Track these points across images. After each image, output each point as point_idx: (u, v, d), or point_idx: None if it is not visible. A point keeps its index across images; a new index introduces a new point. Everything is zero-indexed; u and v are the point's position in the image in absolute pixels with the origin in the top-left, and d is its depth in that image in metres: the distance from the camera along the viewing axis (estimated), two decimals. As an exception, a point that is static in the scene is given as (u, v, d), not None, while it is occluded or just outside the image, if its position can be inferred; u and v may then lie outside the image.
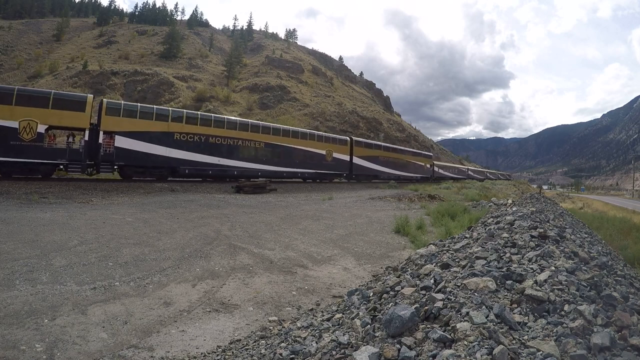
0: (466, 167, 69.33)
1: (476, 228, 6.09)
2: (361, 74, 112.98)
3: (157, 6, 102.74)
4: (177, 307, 4.32)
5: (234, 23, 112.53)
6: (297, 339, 3.01)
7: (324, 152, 28.57)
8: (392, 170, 36.65)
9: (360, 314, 3.03)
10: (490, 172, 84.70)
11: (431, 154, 52.19)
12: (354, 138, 33.24)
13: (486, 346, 1.95)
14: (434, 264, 3.82)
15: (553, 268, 2.96)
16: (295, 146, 26.29)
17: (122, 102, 21.27)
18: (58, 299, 4.24)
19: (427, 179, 42.91)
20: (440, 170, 49.90)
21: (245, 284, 5.28)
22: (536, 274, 2.86)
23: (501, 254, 3.51)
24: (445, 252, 4.40)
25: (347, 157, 30.87)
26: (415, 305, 2.61)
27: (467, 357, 1.89)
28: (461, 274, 3.08)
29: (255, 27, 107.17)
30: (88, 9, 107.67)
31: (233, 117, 26.96)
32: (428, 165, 45.48)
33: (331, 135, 32.15)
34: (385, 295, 3.26)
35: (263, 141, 24.26)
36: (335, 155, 29.66)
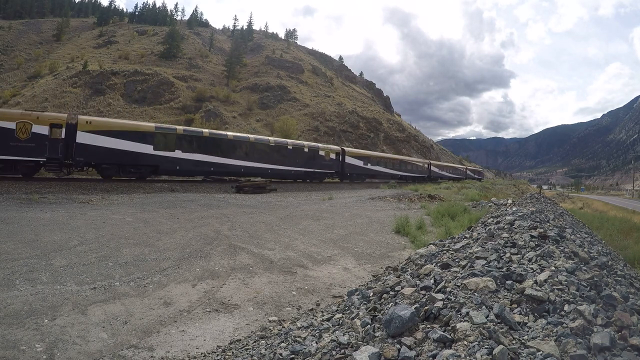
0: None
1: (476, 228, 6.09)
2: (361, 74, 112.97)
3: (157, 6, 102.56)
4: (177, 307, 4.32)
5: (234, 23, 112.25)
6: (297, 339, 3.01)
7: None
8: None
9: (360, 314, 3.03)
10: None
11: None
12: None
13: (486, 346, 1.95)
14: (434, 264, 3.82)
15: (553, 268, 2.96)
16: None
17: None
18: (58, 299, 4.24)
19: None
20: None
21: (245, 284, 5.28)
22: (536, 274, 2.86)
23: (501, 254, 3.50)
24: (445, 252, 4.40)
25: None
26: (415, 305, 2.61)
27: (467, 357, 1.90)
28: (461, 274, 3.08)
29: (255, 27, 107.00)
30: (88, 9, 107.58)
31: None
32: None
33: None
34: (385, 295, 3.26)
35: None
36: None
